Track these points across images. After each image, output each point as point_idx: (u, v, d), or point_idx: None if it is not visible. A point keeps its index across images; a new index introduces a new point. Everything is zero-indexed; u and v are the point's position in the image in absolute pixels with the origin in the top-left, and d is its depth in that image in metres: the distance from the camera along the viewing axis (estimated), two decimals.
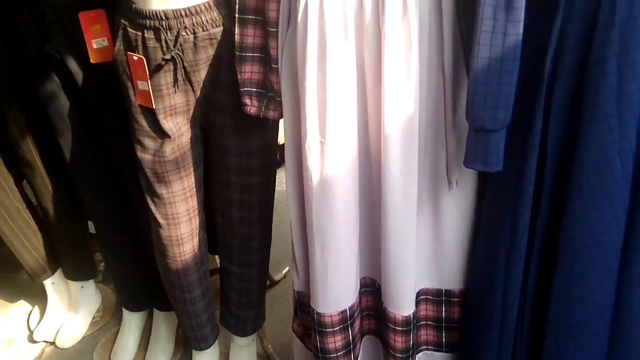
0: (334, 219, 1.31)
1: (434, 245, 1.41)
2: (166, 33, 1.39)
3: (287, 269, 2.42)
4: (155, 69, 1.43)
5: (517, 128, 1.17)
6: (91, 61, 1.58)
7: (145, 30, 1.40)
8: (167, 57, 1.40)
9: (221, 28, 1.40)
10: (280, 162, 1.79)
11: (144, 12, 1.38)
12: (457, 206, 1.37)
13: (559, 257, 1.16)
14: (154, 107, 1.46)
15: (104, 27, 1.58)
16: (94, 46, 1.58)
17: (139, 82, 1.46)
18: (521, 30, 1.08)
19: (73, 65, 1.64)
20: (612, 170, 1.07)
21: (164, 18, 1.37)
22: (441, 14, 1.23)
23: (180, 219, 1.60)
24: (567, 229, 1.14)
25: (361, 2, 1.21)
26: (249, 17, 1.35)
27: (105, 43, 1.58)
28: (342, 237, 1.33)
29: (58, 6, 1.56)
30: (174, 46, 1.39)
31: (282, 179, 1.49)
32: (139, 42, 1.42)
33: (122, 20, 1.45)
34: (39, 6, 1.58)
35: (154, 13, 1.37)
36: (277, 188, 1.71)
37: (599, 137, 1.06)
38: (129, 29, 1.43)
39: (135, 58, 1.43)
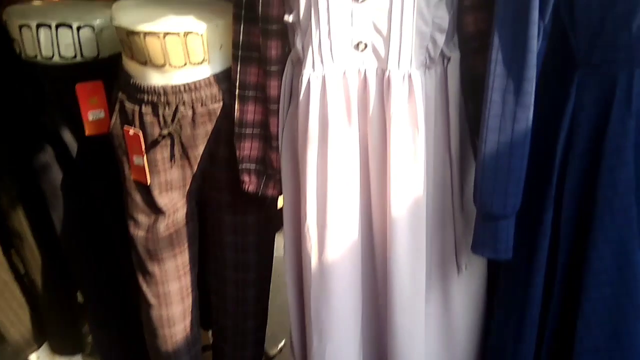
0: (332, 308, 1.24)
1: (444, 335, 1.33)
2: (164, 108, 1.35)
3: (283, 342, 2.32)
4: (152, 144, 1.38)
5: (528, 216, 1.12)
6: (86, 134, 1.55)
7: (143, 105, 1.37)
8: (165, 132, 1.36)
9: (221, 103, 1.36)
10: (279, 226, 1.72)
11: (142, 87, 1.35)
12: (467, 292, 1.31)
13: None
14: (149, 183, 1.41)
15: (101, 99, 1.54)
16: (90, 118, 1.55)
17: (134, 157, 1.42)
18: (531, 115, 1.04)
19: (67, 136, 1.60)
20: (634, 267, 1.01)
21: (162, 93, 1.34)
22: (447, 92, 1.20)
23: (172, 299, 1.52)
24: (586, 330, 1.07)
25: (365, 83, 1.18)
26: (250, 93, 1.32)
27: (102, 115, 1.55)
28: (341, 327, 1.26)
29: (55, 77, 1.53)
30: (172, 121, 1.35)
31: (281, 244, 1.42)
32: (136, 117, 1.38)
33: (120, 94, 1.41)
34: (36, 77, 1.55)
35: (152, 88, 1.34)
36: (275, 254, 1.63)
37: (617, 229, 1.01)
38: (126, 103, 1.39)
39: (131, 133, 1.39)
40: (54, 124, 1.59)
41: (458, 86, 1.20)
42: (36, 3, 1.66)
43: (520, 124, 1.04)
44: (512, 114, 1.04)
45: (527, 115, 1.04)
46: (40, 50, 1.51)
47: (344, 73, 1.17)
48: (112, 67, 1.49)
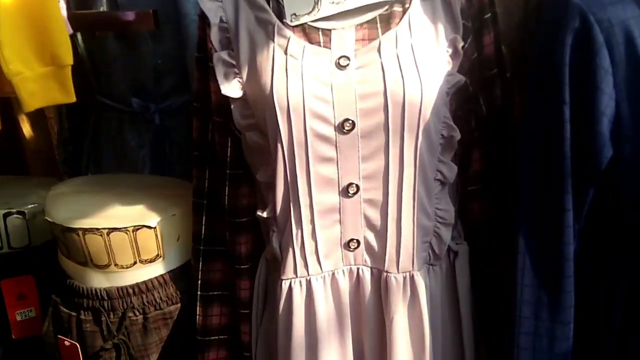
0: None
1: None
2: (108, 315, 1.12)
3: None
4: (92, 358, 1.13)
5: None
6: (13, 336, 1.31)
7: (82, 311, 1.14)
8: (108, 346, 1.11)
9: (178, 305, 1.14)
10: None
11: (81, 290, 1.12)
12: None
13: None
14: None
15: (32, 296, 1.32)
16: (18, 318, 1.31)
17: None
18: (571, 332, 0.85)
19: None
20: None
21: (106, 298, 1.11)
22: (456, 291, 1.01)
23: None
24: None
25: (358, 285, 0.98)
26: (215, 293, 1.09)
27: (33, 314, 1.32)
28: None
29: None
30: (118, 331, 1.12)
31: None
32: (73, 325, 1.15)
33: (54, 296, 1.17)
34: None
35: (94, 292, 1.11)
36: None
37: None
38: (62, 308, 1.16)
39: (67, 343, 1.15)
40: None
41: (469, 284, 1.01)
42: None
43: (559, 343, 0.84)
44: (549, 331, 0.85)
45: (567, 333, 0.84)
46: None
47: (333, 275, 0.97)
48: (46, 256, 1.26)
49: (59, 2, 1.08)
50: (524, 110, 0.87)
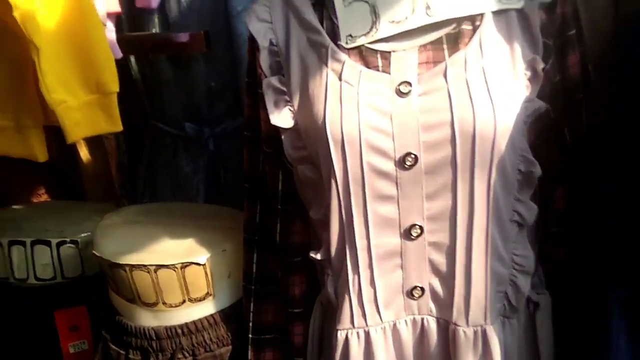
0: None
1: None
2: (156, 356, 1.06)
3: None
4: None
5: None
6: None
7: (130, 350, 1.08)
8: None
9: (229, 347, 1.06)
10: None
11: (130, 328, 1.07)
12: None
13: None
14: None
15: (85, 328, 1.29)
16: (71, 351, 1.28)
17: None
18: None
19: None
20: None
21: (154, 338, 1.05)
22: (537, 348, 0.88)
23: None
24: None
25: (422, 336, 0.87)
26: (267, 336, 1.01)
27: (85, 347, 1.29)
28: None
29: (29, 301, 1.27)
30: None
31: None
32: None
33: (104, 332, 1.13)
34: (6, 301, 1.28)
35: (142, 331, 1.05)
36: None
37: None
38: (111, 345, 1.11)
39: None
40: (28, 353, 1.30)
41: (552, 340, 0.89)
42: (15, 207, 1.42)
43: None
44: None
45: None
46: (12, 271, 1.25)
47: (394, 325, 0.87)
48: (99, 287, 1.21)
49: (103, 26, 1.03)
50: (615, 141, 0.74)
